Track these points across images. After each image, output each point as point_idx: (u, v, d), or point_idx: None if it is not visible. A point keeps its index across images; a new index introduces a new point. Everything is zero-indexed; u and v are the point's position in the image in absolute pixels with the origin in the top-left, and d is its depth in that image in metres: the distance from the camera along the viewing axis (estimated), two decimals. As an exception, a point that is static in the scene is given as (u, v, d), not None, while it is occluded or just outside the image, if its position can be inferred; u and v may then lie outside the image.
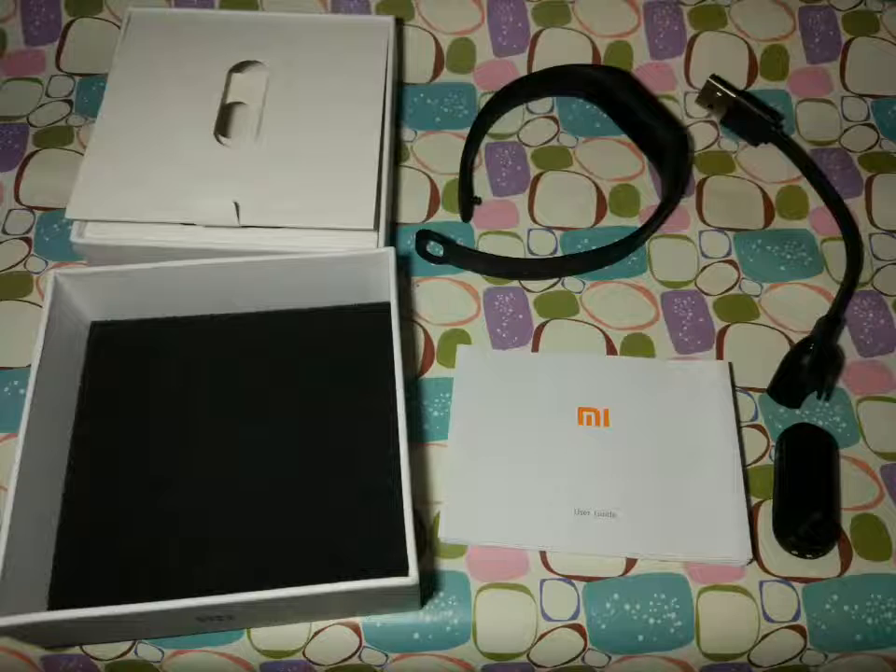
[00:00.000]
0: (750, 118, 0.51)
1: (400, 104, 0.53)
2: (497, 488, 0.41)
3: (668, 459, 0.41)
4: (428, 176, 0.51)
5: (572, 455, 0.41)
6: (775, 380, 0.44)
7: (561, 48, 0.54)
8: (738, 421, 0.43)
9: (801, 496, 0.40)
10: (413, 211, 0.50)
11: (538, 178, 0.51)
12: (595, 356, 0.45)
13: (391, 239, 0.48)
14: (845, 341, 0.46)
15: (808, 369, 0.43)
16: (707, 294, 0.47)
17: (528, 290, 0.47)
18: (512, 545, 0.40)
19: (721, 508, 0.40)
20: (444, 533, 0.39)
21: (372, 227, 0.41)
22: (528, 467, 0.41)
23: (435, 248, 0.48)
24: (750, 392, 0.44)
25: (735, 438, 0.42)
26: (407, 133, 0.52)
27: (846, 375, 0.45)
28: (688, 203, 0.50)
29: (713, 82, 0.52)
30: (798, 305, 0.47)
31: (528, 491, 0.40)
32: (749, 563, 0.39)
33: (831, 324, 0.45)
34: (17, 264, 0.47)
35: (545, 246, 0.48)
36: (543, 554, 0.40)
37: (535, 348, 0.45)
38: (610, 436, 0.42)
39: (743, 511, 0.40)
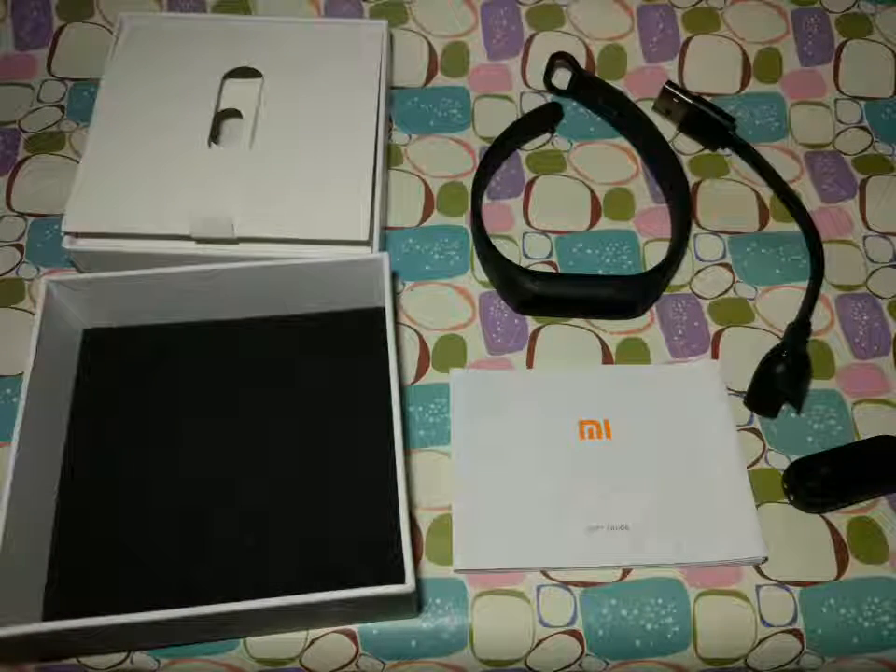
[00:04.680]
0: (707, 122, 0.51)
1: (394, 107, 0.53)
2: (508, 513, 0.40)
3: (672, 464, 0.41)
4: (423, 180, 0.51)
5: (578, 470, 0.41)
6: (750, 389, 0.44)
7: (555, 51, 0.54)
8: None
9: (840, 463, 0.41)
10: (406, 215, 0.49)
11: (532, 182, 0.51)
12: (586, 368, 0.45)
13: (384, 244, 0.48)
14: (840, 345, 0.46)
15: (783, 376, 0.43)
16: (701, 298, 0.47)
17: (523, 295, 0.47)
18: (530, 567, 0.39)
19: (731, 507, 0.40)
20: (461, 563, 0.39)
21: (367, 238, 0.41)
22: (536, 488, 0.41)
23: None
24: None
25: (734, 435, 0.42)
26: (401, 137, 0.52)
27: (841, 378, 0.45)
28: (682, 206, 0.50)
29: (669, 88, 0.51)
30: (793, 309, 0.47)
31: (539, 512, 0.40)
32: (765, 561, 0.39)
33: (800, 330, 0.45)
34: (9, 271, 0.47)
35: (540, 250, 0.48)
36: (540, 560, 0.40)
37: (530, 353, 0.45)
38: (613, 447, 0.42)
39: (752, 508, 0.40)
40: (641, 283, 0.45)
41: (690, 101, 0.51)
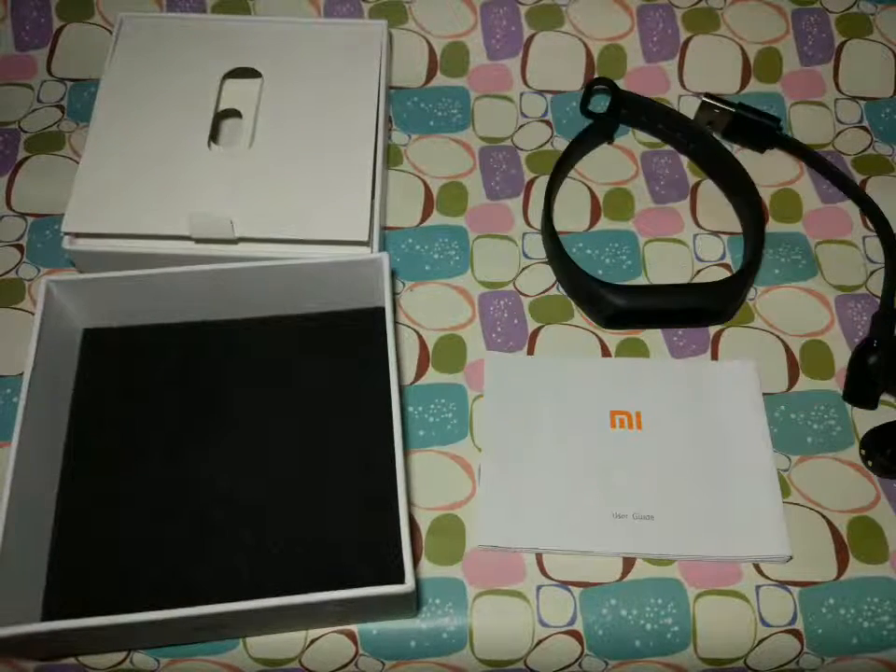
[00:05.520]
0: (752, 126, 0.51)
1: (394, 107, 0.53)
2: (535, 494, 0.41)
3: (702, 459, 0.42)
4: (422, 180, 0.51)
5: (607, 458, 0.42)
6: (847, 385, 0.44)
7: (554, 51, 0.54)
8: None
9: None
10: (406, 215, 0.49)
11: (532, 182, 0.51)
12: (623, 359, 0.45)
13: (383, 244, 0.48)
14: (840, 345, 0.46)
15: (877, 367, 0.43)
16: (701, 297, 0.47)
17: (523, 295, 0.47)
18: (552, 549, 0.40)
19: (758, 505, 0.40)
20: (485, 539, 0.39)
21: (367, 238, 0.41)
22: (564, 471, 0.41)
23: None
24: (746, 396, 0.44)
25: (767, 436, 0.42)
26: (401, 137, 0.52)
27: (841, 378, 0.45)
28: (682, 206, 0.50)
29: (708, 101, 0.51)
30: (792, 308, 0.47)
31: (565, 495, 0.41)
32: (789, 560, 0.40)
33: (888, 318, 0.45)
34: (9, 271, 0.47)
35: (540, 251, 0.48)
36: (540, 560, 0.40)
37: (530, 353, 0.45)
38: (644, 439, 0.42)
39: (779, 507, 0.40)
40: (730, 288, 0.45)
41: (733, 109, 0.51)
